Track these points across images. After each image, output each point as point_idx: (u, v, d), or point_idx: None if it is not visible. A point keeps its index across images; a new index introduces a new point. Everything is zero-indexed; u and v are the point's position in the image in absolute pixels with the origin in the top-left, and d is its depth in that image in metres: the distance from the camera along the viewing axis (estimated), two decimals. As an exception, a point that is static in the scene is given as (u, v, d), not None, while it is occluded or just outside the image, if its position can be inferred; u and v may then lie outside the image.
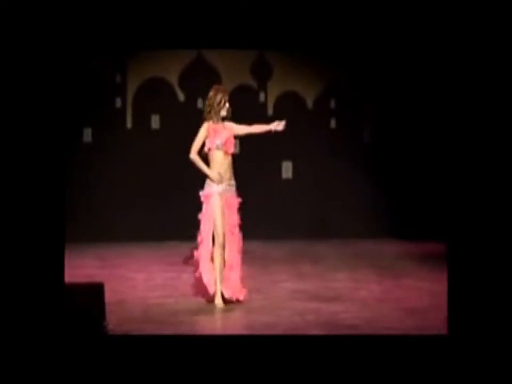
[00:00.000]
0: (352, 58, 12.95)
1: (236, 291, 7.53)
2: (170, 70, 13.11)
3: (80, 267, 9.55)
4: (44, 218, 5.36)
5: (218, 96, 7.54)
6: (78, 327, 5.72)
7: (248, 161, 11.84)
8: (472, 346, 5.26)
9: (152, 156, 12.91)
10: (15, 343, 5.25)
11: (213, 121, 7.54)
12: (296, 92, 13.31)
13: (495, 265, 5.30)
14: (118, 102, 13.08)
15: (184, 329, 6.60)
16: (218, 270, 7.47)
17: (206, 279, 7.51)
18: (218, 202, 7.47)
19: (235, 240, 7.54)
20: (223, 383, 5.27)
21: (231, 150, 7.53)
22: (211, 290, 7.50)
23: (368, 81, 13.19)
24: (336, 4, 6.69)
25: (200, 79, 12.56)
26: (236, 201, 7.60)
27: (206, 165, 7.53)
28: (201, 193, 7.55)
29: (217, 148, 7.50)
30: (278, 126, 7.58)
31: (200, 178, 7.59)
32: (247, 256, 7.86)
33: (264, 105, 13.27)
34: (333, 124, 13.40)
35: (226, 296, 7.49)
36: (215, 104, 7.53)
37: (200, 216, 7.54)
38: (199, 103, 12.56)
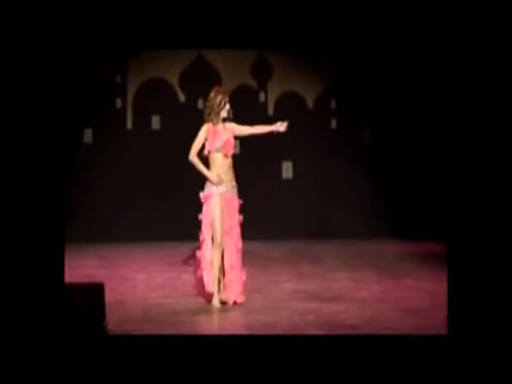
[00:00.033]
0: (352, 58, 12.96)
1: (237, 293, 7.53)
2: (171, 70, 13.12)
3: (80, 267, 9.55)
4: (44, 218, 5.36)
5: (218, 98, 7.54)
6: (78, 327, 5.72)
7: (249, 161, 11.85)
8: (472, 346, 5.26)
9: (153, 156, 12.92)
10: (15, 343, 5.25)
11: (213, 123, 7.54)
12: (297, 92, 13.31)
13: (495, 265, 5.30)
14: (118, 103, 13.09)
15: (184, 329, 6.60)
16: (216, 270, 7.48)
17: (206, 279, 7.53)
18: (218, 203, 7.48)
19: (234, 241, 7.53)
20: (223, 383, 5.27)
21: (230, 152, 7.53)
22: (209, 290, 7.52)
23: (368, 81, 13.20)
24: (336, 4, 6.69)
25: (201, 80, 12.58)
26: (236, 202, 7.59)
27: (206, 167, 7.53)
28: (201, 194, 7.56)
29: (217, 150, 7.50)
30: (280, 126, 7.57)
31: (200, 179, 7.59)
32: (247, 256, 7.86)
33: (265, 105, 13.28)
34: (333, 124, 13.40)
35: (226, 298, 7.50)
36: (215, 106, 7.53)
37: (201, 217, 7.55)
38: (200, 104, 12.56)
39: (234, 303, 7.49)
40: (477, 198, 5.35)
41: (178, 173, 10.31)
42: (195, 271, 8.26)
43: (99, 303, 6.09)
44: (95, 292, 6.15)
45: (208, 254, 7.51)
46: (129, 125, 13.13)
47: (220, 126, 7.56)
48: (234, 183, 7.59)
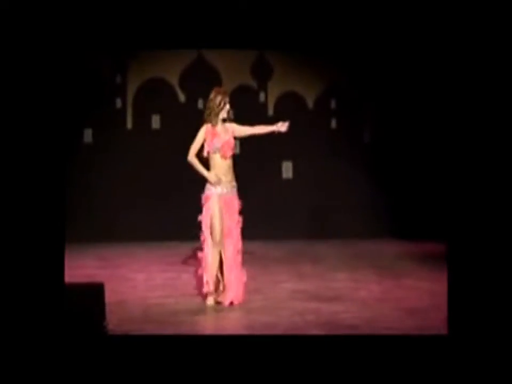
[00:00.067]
0: (352, 58, 12.96)
1: (237, 294, 7.52)
2: (171, 70, 13.11)
3: (80, 267, 9.56)
4: (44, 218, 5.36)
5: (218, 98, 7.54)
6: (78, 327, 5.72)
7: (249, 161, 11.85)
8: (472, 346, 5.26)
9: (153, 156, 12.92)
10: (15, 343, 5.25)
11: (212, 124, 7.54)
12: (297, 92, 13.31)
13: (495, 265, 5.30)
14: (119, 103, 13.09)
15: (184, 329, 6.60)
16: (214, 270, 7.49)
17: (205, 279, 7.56)
18: (217, 204, 7.48)
19: (234, 242, 7.53)
20: (223, 383, 5.27)
21: (229, 153, 7.52)
22: (207, 290, 7.53)
23: (368, 81, 13.19)
24: (336, 4, 6.69)
25: (201, 80, 12.58)
26: (236, 203, 7.59)
27: (207, 167, 7.54)
28: (202, 196, 7.58)
29: (215, 151, 7.51)
30: (281, 127, 7.57)
31: (200, 179, 7.59)
32: (247, 256, 7.86)
33: (265, 105, 13.27)
34: (333, 124, 13.40)
35: (223, 298, 7.50)
36: (215, 107, 7.54)
37: (200, 218, 7.56)
38: (200, 104, 12.57)
39: (231, 303, 7.48)
40: (477, 198, 5.35)
41: (178, 173, 10.31)
42: (196, 271, 8.28)
43: (99, 303, 6.09)
44: (95, 292, 6.15)
45: (209, 254, 7.53)
46: (129, 125, 13.12)
47: (220, 126, 7.56)
48: (234, 183, 7.59)
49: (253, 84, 13.26)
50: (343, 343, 5.71)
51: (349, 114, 13.34)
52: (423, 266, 9.92)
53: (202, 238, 7.59)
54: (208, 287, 7.54)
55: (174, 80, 13.12)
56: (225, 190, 7.51)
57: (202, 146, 7.56)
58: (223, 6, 6.85)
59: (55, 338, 5.32)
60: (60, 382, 5.18)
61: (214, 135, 7.52)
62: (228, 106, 7.57)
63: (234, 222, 7.55)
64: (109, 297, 6.36)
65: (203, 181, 7.58)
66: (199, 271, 7.73)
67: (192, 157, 7.54)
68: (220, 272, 7.58)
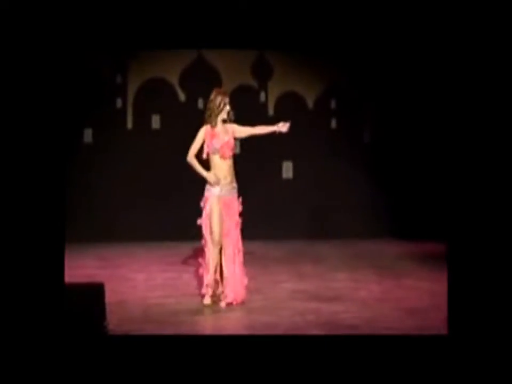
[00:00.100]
0: (352, 58, 12.96)
1: (236, 295, 7.52)
2: (171, 70, 13.11)
3: (80, 267, 9.56)
4: (44, 218, 5.36)
5: (218, 99, 7.54)
6: (78, 327, 5.72)
7: (249, 161, 11.85)
8: (472, 346, 5.26)
9: (153, 156, 12.91)
10: (15, 343, 5.25)
11: (212, 125, 7.54)
12: (297, 92, 13.31)
13: (495, 265, 5.30)
14: (119, 103, 13.08)
15: (184, 329, 6.60)
16: (212, 270, 7.50)
17: (206, 280, 7.57)
18: (216, 205, 7.49)
19: (233, 243, 7.53)
20: (223, 383, 5.27)
21: (228, 154, 7.52)
22: (205, 291, 7.53)
23: (368, 81, 13.19)
24: (336, 4, 6.69)
25: (201, 79, 12.59)
26: (235, 204, 7.59)
27: (207, 168, 7.55)
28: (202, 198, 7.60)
29: (215, 152, 7.51)
30: (282, 127, 7.56)
31: (200, 179, 7.59)
32: (247, 257, 7.86)
33: (265, 105, 13.27)
34: (333, 124, 13.40)
35: (222, 299, 7.50)
36: (215, 108, 7.54)
37: (200, 221, 7.57)
38: (200, 103, 12.57)
39: (230, 304, 7.48)
40: (477, 198, 5.35)
41: (178, 173, 10.30)
42: (196, 271, 8.28)
43: (99, 303, 6.09)
44: (95, 292, 6.15)
45: (209, 254, 7.55)
46: (129, 125, 13.12)
47: (220, 127, 7.56)
48: (234, 185, 7.59)
49: (253, 83, 13.26)
50: (343, 343, 5.71)
51: (349, 114, 13.34)
52: (423, 266, 9.92)
53: (203, 242, 7.60)
54: (208, 287, 7.55)
55: (174, 80, 13.12)
56: (224, 192, 7.51)
57: (202, 147, 7.57)
58: (223, 6, 6.85)
59: (55, 338, 5.32)
60: (60, 382, 5.18)
61: (213, 135, 7.52)
62: (228, 107, 7.57)
63: (234, 224, 7.54)
64: (109, 297, 6.36)
65: (203, 181, 7.59)
66: (200, 271, 7.74)
67: (191, 158, 7.54)
68: (219, 273, 7.58)
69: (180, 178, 11.66)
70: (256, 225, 11.15)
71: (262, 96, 13.28)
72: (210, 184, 7.51)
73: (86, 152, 12.85)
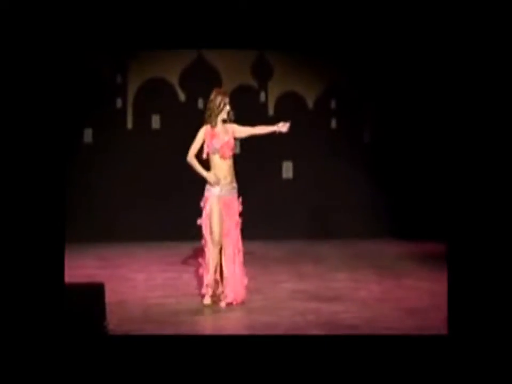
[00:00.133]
0: (352, 58, 12.96)
1: (236, 295, 7.52)
2: (171, 70, 13.11)
3: (80, 267, 9.56)
4: (44, 218, 5.36)
5: (218, 99, 7.54)
6: (78, 327, 5.72)
7: (249, 161, 11.84)
8: (472, 346, 5.26)
9: (153, 156, 12.91)
10: (15, 343, 5.25)
11: (211, 125, 7.54)
12: (297, 92, 13.31)
13: (495, 265, 5.30)
14: (119, 103, 13.08)
15: (184, 329, 6.60)
16: (212, 269, 7.51)
17: (206, 280, 7.58)
18: (216, 205, 7.49)
19: (233, 243, 7.53)
20: (224, 383, 5.27)
21: (228, 154, 7.52)
22: (205, 291, 7.54)
23: (368, 81, 13.19)
24: (336, 4, 6.69)
25: (201, 79, 12.59)
26: (235, 204, 7.58)
27: (207, 168, 7.55)
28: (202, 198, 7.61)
29: (214, 152, 7.52)
30: (282, 127, 7.56)
31: (200, 179, 7.59)
32: (247, 257, 7.86)
33: (265, 105, 13.27)
34: (333, 124, 13.40)
35: (222, 299, 7.50)
36: (215, 108, 7.53)
37: (200, 221, 7.58)
38: (200, 103, 12.57)
39: (229, 304, 7.48)
40: (477, 198, 5.35)
41: (178, 173, 10.30)
42: (196, 271, 8.28)
43: (99, 303, 6.09)
44: (95, 292, 6.15)
45: (209, 254, 7.56)
46: (129, 125, 13.12)
47: (220, 127, 7.56)
48: (234, 185, 7.59)
49: (253, 83, 13.26)
50: (343, 343, 5.71)
51: (349, 114, 13.34)
52: (423, 266, 9.92)
53: (203, 242, 7.60)
54: (208, 287, 7.55)
55: (174, 80, 13.12)
56: (224, 192, 7.51)
57: (202, 147, 7.57)
58: (223, 6, 6.85)
59: (55, 338, 5.32)
60: (60, 382, 5.18)
61: (213, 136, 7.52)
62: (228, 107, 7.57)
63: (234, 224, 7.54)
64: (109, 297, 6.36)
65: (203, 181, 7.59)
66: (200, 271, 7.75)
67: (191, 158, 7.54)
68: (219, 273, 7.58)
69: (179, 178, 11.66)
70: (256, 225, 11.15)
71: (262, 96, 13.28)
72: (210, 184, 7.51)
73: (86, 152, 12.85)
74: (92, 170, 12.74)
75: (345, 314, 7.11)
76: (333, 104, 13.37)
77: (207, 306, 7.49)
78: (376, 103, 13.27)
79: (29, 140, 5.37)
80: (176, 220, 12.47)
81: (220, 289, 7.60)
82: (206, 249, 7.59)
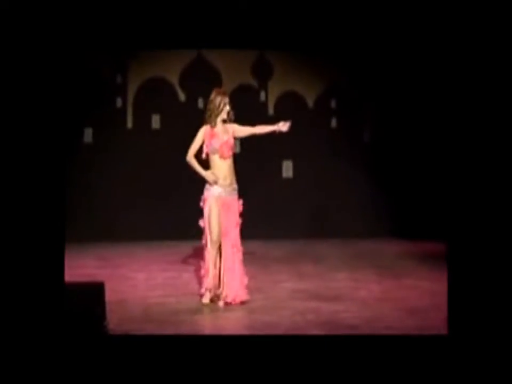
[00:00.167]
0: (352, 58, 12.97)
1: (237, 295, 7.52)
2: (171, 70, 13.12)
3: (80, 267, 9.56)
4: (44, 218, 5.37)
5: (217, 99, 7.54)
6: (78, 327, 5.72)
7: (249, 160, 11.85)
8: (472, 346, 5.26)
9: (153, 156, 12.92)
10: (15, 343, 5.25)
11: (211, 125, 7.55)
12: (297, 92, 13.31)
13: (495, 265, 5.30)
14: (119, 102, 13.09)
15: (184, 329, 6.60)
16: (212, 271, 7.51)
17: (205, 280, 7.58)
18: (214, 205, 7.49)
19: (232, 242, 7.53)
20: (224, 383, 5.27)
21: (227, 153, 7.51)
22: (205, 291, 7.55)
23: (369, 81, 13.20)
24: (336, 4, 6.69)
25: (201, 79, 12.59)
26: (235, 204, 7.57)
27: (207, 168, 7.55)
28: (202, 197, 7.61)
29: (214, 152, 7.52)
30: (283, 126, 7.56)
31: (200, 179, 7.59)
32: (247, 256, 7.86)
33: (265, 104, 13.28)
34: (333, 123, 13.40)
35: (224, 298, 7.50)
36: (215, 108, 7.54)
37: (201, 221, 7.59)
38: (200, 103, 12.58)
39: (228, 303, 7.48)
40: (477, 197, 5.35)
41: (178, 172, 10.31)
42: (196, 270, 8.28)
43: (99, 303, 6.09)
44: (95, 291, 6.15)
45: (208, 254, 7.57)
46: (129, 124, 13.12)
47: (219, 127, 7.57)
48: (235, 186, 7.58)
49: (254, 83, 13.26)
50: (343, 343, 5.71)
51: (349, 114, 13.35)
52: (423, 266, 9.92)
53: (203, 242, 7.60)
54: (207, 290, 7.56)
55: (174, 80, 13.12)
56: (223, 193, 7.51)
57: (201, 147, 7.57)
58: (223, 6, 6.85)
59: (55, 338, 5.32)
60: (60, 382, 5.18)
61: (213, 135, 7.52)
62: (227, 107, 7.57)
63: (233, 224, 7.53)
64: (109, 296, 6.36)
65: (203, 181, 7.59)
66: (200, 271, 7.75)
67: (190, 157, 7.55)
68: (219, 273, 7.58)
69: (179, 178, 11.67)
70: (256, 224, 11.15)
71: (262, 95, 13.29)
72: (210, 184, 7.52)
73: (86, 152, 12.86)
74: (91, 170, 12.75)
75: (345, 313, 7.11)
76: (333, 104, 13.38)
77: (206, 305, 7.50)
78: (376, 103, 13.27)
79: (29, 140, 5.37)
80: (176, 219, 12.48)
81: (220, 289, 7.59)
82: (205, 249, 7.58)
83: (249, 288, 7.70)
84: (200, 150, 7.57)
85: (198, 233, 7.71)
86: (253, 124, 7.74)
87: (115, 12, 6.47)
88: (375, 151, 13.29)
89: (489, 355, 5.21)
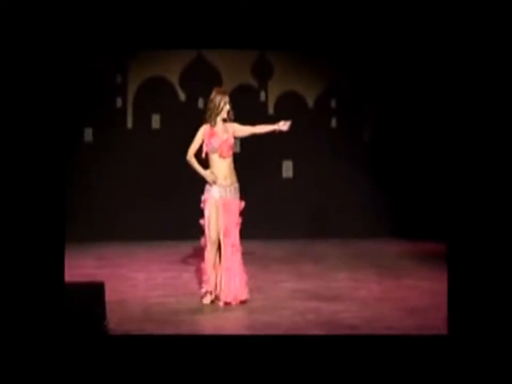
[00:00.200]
0: (352, 58, 12.97)
1: (236, 295, 7.52)
2: (171, 69, 13.12)
3: (80, 267, 9.56)
4: (44, 218, 5.37)
5: (217, 98, 7.54)
6: (78, 327, 5.72)
7: (249, 160, 11.84)
8: (472, 346, 5.26)
9: (153, 156, 12.92)
10: (15, 343, 5.26)
11: (211, 124, 7.55)
12: (297, 92, 13.31)
13: (495, 264, 5.30)
14: (119, 102, 13.09)
15: (184, 329, 6.60)
16: (212, 270, 7.51)
17: (205, 280, 7.59)
18: (214, 206, 7.49)
19: (231, 242, 7.52)
20: (224, 383, 5.28)
21: (226, 153, 7.51)
22: (205, 289, 7.55)
23: (369, 81, 13.20)
24: (336, 4, 6.69)
25: (201, 79, 12.60)
26: (235, 204, 7.56)
27: (206, 167, 7.55)
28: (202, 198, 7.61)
29: (213, 151, 7.52)
30: (283, 126, 7.56)
31: (200, 179, 7.59)
32: (247, 256, 7.86)
33: (265, 104, 13.28)
34: (333, 123, 13.40)
35: (220, 298, 7.50)
36: (215, 108, 7.54)
37: (202, 221, 7.59)
38: (200, 103, 12.58)
39: (228, 303, 7.48)
40: (477, 197, 5.35)
41: (178, 172, 10.31)
42: (196, 270, 8.28)
43: (99, 303, 6.09)
44: (95, 291, 6.15)
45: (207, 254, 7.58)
46: (129, 124, 13.12)
47: (219, 126, 7.57)
48: (236, 185, 7.58)
49: (254, 83, 13.26)
50: (343, 343, 5.71)
51: (349, 114, 13.35)
52: (423, 265, 9.93)
53: (203, 242, 7.61)
54: (207, 287, 7.56)
55: (174, 79, 13.12)
56: (224, 193, 7.50)
57: (201, 147, 7.58)
58: (223, 6, 6.86)
59: (55, 338, 5.32)
60: (60, 382, 5.18)
61: (212, 134, 7.53)
62: (227, 106, 7.57)
63: (233, 224, 7.53)
64: (109, 296, 6.36)
65: (203, 181, 7.59)
66: (200, 271, 7.75)
67: (190, 157, 7.55)
68: (219, 272, 7.58)
69: (179, 178, 11.67)
70: (256, 224, 11.15)
71: (262, 95, 13.29)
72: (209, 184, 7.52)
73: (86, 152, 12.86)
74: (92, 170, 12.75)
75: (345, 313, 7.11)
76: (333, 104, 13.38)
77: (207, 305, 7.50)
78: (376, 103, 13.27)
79: (29, 139, 5.37)
80: (176, 219, 12.48)
81: (219, 290, 7.59)
82: (205, 249, 7.58)
83: (249, 288, 7.70)
84: (200, 149, 7.57)
85: (198, 233, 7.71)
86: (253, 123, 7.74)
87: (115, 12, 6.47)
88: (375, 151, 13.29)
89: (489, 355, 5.21)
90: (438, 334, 5.86)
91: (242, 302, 7.53)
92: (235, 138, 7.64)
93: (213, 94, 7.58)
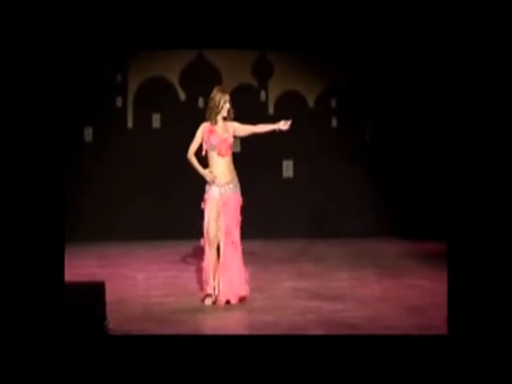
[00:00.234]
0: (353, 58, 12.97)
1: (236, 294, 7.52)
2: (171, 69, 13.12)
3: (80, 266, 9.56)
4: (44, 218, 5.37)
5: (217, 98, 7.54)
6: (78, 327, 5.72)
7: (249, 160, 11.85)
8: (472, 346, 5.26)
9: (153, 155, 12.93)
10: (15, 343, 5.26)
11: (211, 123, 7.55)
12: (297, 91, 13.32)
13: (495, 264, 5.30)
14: (119, 102, 13.09)
15: (185, 329, 6.60)
16: (212, 270, 7.51)
17: (205, 280, 7.59)
18: (213, 206, 7.49)
19: (232, 241, 7.52)
20: (224, 383, 5.27)
21: (225, 151, 7.50)
22: (206, 290, 7.56)
23: (369, 81, 13.20)
24: (336, 4, 6.70)
25: (201, 78, 12.60)
26: (235, 202, 7.56)
27: (206, 166, 7.55)
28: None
29: (212, 149, 7.52)
30: (283, 125, 7.56)
31: (201, 179, 7.59)
32: (247, 256, 7.86)
33: (265, 104, 13.28)
34: (333, 123, 13.41)
35: (220, 297, 7.49)
36: (215, 106, 7.54)
37: (202, 241, 7.61)
38: (200, 102, 12.58)
39: (228, 302, 7.48)
40: (477, 197, 5.35)
41: (178, 172, 10.33)
42: (197, 270, 8.28)
43: (99, 303, 6.09)
44: (95, 291, 6.15)
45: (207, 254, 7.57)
46: (129, 124, 13.13)
47: (220, 125, 7.57)
48: (236, 183, 7.58)
49: (254, 83, 13.27)
50: (344, 343, 5.71)
51: (350, 114, 13.35)
52: (423, 265, 9.93)
53: (202, 242, 7.60)
54: (207, 288, 7.56)
55: (174, 79, 13.13)
56: (223, 191, 7.50)
57: (202, 145, 7.58)
58: (223, 6, 6.86)
59: (55, 338, 5.33)
60: (60, 382, 5.18)
61: (211, 132, 7.52)
62: (228, 105, 7.57)
63: (234, 222, 7.53)
64: (109, 296, 6.35)
65: (203, 181, 7.58)
66: (200, 271, 7.75)
67: (191, 155, 7.55)
68: (218, 272, 7.58)
69: (179, 178, 11.67)
70: (256, 224, 11.16)
71: (263, 95, 13.29)
72: (209, 183, 7.52)
73: (87, 151, 12.86)
74: (92, 170, 12.75)
75: (345, 313, 7.11)
76: (333, 103, 13.38)
77: (209, 306, 7.48)
78: (376, 103, 13.28)
79: (29, 139, 5.37)
80: (176, 218, 12.49)
81: (219, 288, 7.58)
82: (205, 249, 7.58)
83: (249, 287, 7.70)
84: (201, 147, 7.57)
85: (198, 233, 7.71)
86: (253, 123, 7.74)
87: (115, 12, 6.47)
88: (375, 151, 13.29)
89: (489, 355, 5.21)
90: (438, 334, 5.86)
91: (242, 299, 7.52)
92: (235, 137, 7.64)
93: (214, 93, 7.58)
